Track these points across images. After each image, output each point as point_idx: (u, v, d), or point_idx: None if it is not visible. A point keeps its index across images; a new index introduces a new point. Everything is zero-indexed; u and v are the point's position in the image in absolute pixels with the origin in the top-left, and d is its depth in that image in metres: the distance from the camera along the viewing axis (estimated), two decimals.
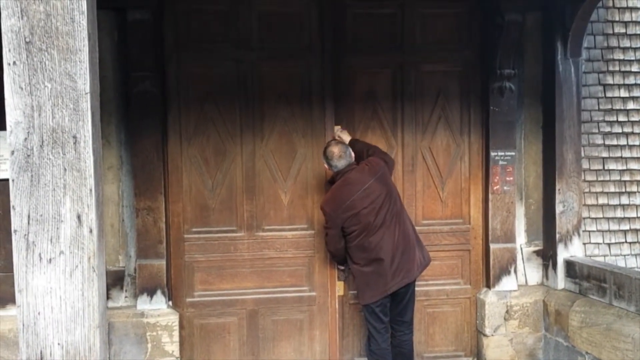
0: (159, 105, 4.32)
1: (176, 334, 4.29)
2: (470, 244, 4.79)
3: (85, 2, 1.90)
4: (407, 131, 4.70)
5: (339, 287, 4.67)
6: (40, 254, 1.91)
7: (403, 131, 4.70)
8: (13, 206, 1.91)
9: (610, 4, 4.86)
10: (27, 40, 1.88)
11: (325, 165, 4.23)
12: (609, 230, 4.85)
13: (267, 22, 4.50)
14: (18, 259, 1.91)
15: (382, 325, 4.13)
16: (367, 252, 4.04)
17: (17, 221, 1.91)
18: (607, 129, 4.85)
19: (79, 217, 1.91)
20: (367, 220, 4.02)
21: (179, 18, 4.41)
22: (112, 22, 4.23)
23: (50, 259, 1.91)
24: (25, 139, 1.89)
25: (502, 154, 4.64)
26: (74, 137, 1.90)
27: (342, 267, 4.46)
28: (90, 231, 1.92)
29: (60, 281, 1.91)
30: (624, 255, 4.84)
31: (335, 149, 4.14)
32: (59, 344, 1.92)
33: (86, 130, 1.91)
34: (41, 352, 1.91)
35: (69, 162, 1.91)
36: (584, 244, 4.76)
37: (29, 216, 1.90)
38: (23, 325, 1.91)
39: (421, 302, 4.67)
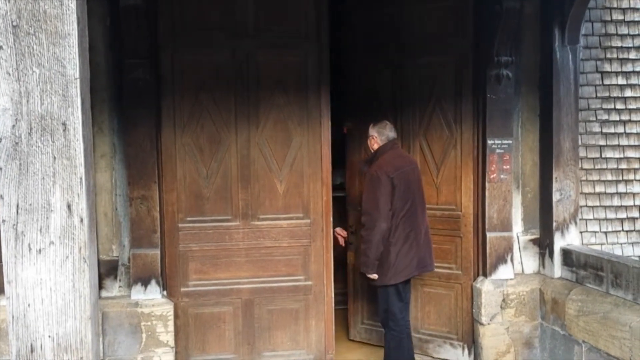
0: (153, 93, 4.26)
1: (171, 323, 4.26)
2: (461, 231, 4.78)
3: None
4: (405, 120, 4.78)
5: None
6: (29, 245, 1.86)
7: (402, 120, 4.79)
8: (1, 195, 1.85)
9: None
10: (14, 24, 1.82)
11: (374, 138, 4.33)
12: (606, 219, 4.83)
13: (263, 10, 4.43)
14: (7, 249, 1.86)
15: (402, 304, 4.31)
16: (410, 227, 4.20)
17: (5, 211, 1.86)
18: (605, 117, 4.82)
19: (69, 206, 1.86)
20: (413, 194, 4.25)
21: (174, 4, 4.32)
22: (104, 7, 4.15)
23: (40, 250, 1.86)
24: (13, 126, 1.84)
25: (499, 142, 4.60)
26: (64, 124, 1.85)
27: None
28: (81, 221, 1.87)
29: (51, 272, 1.87)
30: (621, 244, 4.83)
31: (387, 122, 4.40)
32: (49, 336, 1.88)
33: (76, 117, 1.86)
34: (31, 345, 1.87)
35: (58, 150, 1.86)
36: (581, 232, 4.74)
37: (17, 206, 1.85)
38: (13, 317, 1.87)
39: (416, 281, 4.75)
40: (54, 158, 1.86)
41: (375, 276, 4.19)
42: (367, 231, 4.15)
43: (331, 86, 4.61)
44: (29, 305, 1.87)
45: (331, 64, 4.58)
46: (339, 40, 5.28)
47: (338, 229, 4.93)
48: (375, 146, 4.35)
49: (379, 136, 4.33)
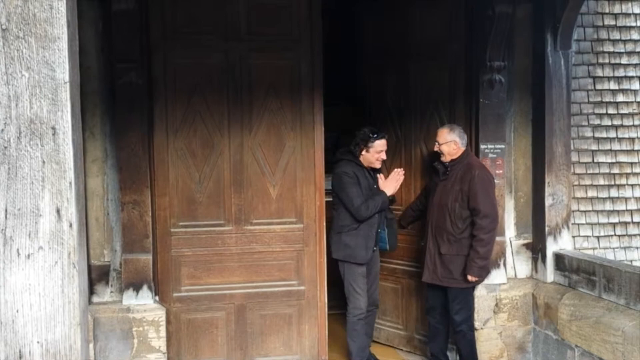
0: (145, 96, 4.23)
1: (163, 329, 4.23)
2: None
3: None
4: (407, 126, 4.87)
5: None
6: (18, 250, 1.84)
7: (405, 126, 4.89)
8: None
9: None
10: (4, 27, 1.81)
11: (456, 142, 4.34)
12: (598, 223, 4.84)
13: (256, 13, 4.42)
14: None
15: None
16: None
17: None
18: (597, 122, 4.84)
19: (58, 211, 1.85)
20: None
21: (166, 8, 4.30)
22: (96, 11, 4.13)
23: (28, 255, 1.84)
24: (2, 130, 1.82)
25: (492, 146, 4.61)
26: (53, 128, 1.84)
27: None
28: (70, 226, 1.85)
29: (40, 277, 1.85)
30: (613, 248, 4.84)
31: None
32: (38, 342, 1.86)
33: (65, 121, 1.84)
34: (20, 351, 1.85)
35: (47, 154, 1.84)
36: (573, 237, 4.75)
37: (6, 210, 1.83)
38: (1, 323, 1.85)
39: (414, 284, 4.81)
40: (43, 162, 1.84)
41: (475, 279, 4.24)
42: (489, 234, 4.18)
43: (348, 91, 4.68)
44: (17, 310, 1.85)
45: (348, 69, 4.64)
46: (354, 46, 5.43)
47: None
48: (457, 150, 4.36)
49: (460, 140, 4.37)
